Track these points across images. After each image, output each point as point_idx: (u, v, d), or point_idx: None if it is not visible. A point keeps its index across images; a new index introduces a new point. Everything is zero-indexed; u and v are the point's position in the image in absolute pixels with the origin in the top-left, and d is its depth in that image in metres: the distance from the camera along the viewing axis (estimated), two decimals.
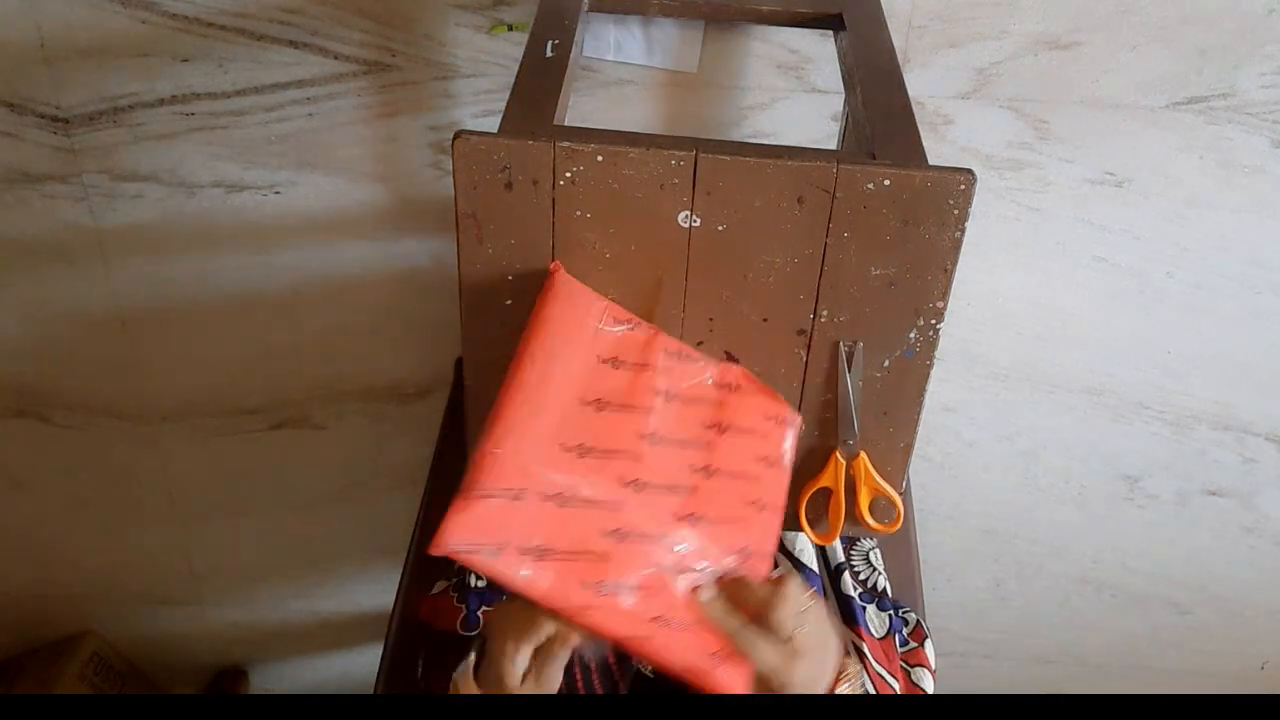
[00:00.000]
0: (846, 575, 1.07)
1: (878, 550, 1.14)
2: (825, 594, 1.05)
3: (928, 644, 1.08)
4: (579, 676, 0.99)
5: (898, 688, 1.02)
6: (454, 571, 1.07)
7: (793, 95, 1.23)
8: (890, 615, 1.08)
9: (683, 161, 0.74)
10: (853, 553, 1.12)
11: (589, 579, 0.71)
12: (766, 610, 0.73)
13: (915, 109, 0.84)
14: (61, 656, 1.74)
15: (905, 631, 1.09)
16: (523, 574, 0.70)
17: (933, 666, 1.07)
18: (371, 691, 1.10)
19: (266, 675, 1.92)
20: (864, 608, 1.07)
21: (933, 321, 0.80)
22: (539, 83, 0.83)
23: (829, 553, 1.08)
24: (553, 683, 0.77)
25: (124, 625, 1.81)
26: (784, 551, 1.04)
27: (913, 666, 1.06)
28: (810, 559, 1.05)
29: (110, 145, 1.28)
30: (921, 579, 1.22)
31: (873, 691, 1.00)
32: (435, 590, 1.06)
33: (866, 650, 1.02)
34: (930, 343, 0.81)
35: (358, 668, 1.89)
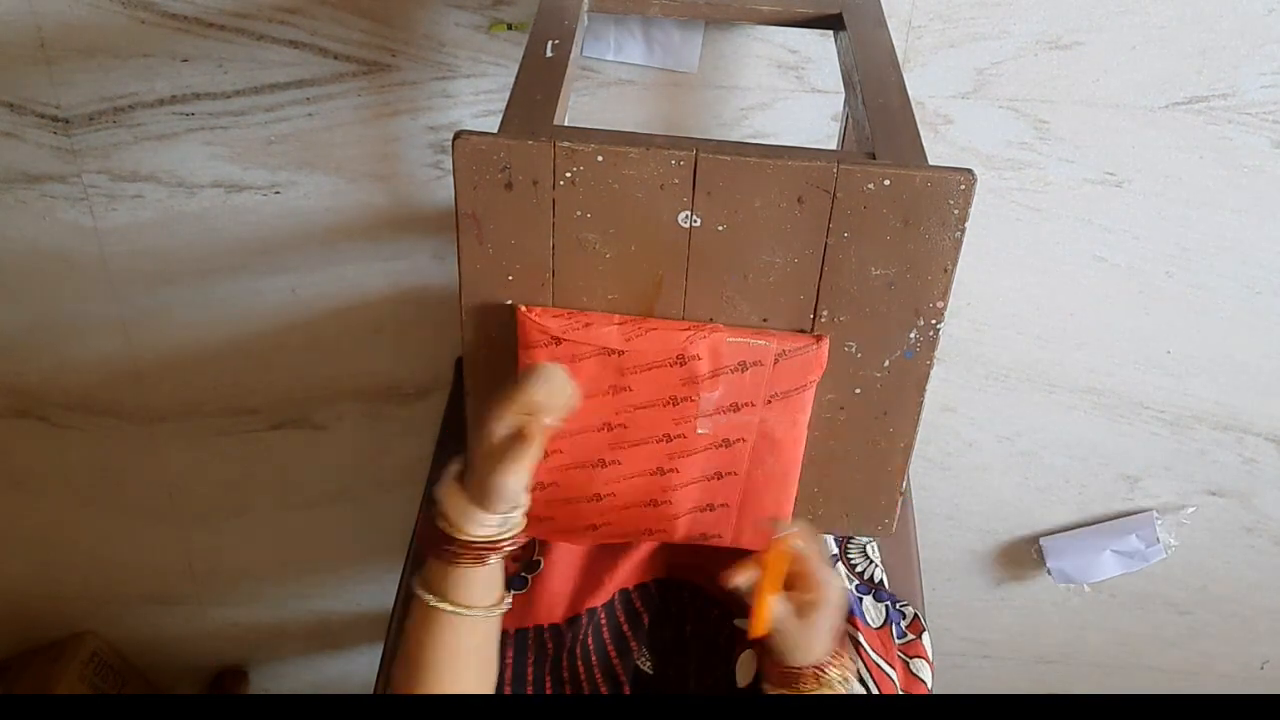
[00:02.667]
0: (840, 567, 1.08)
1: (875, 544, 1.14)
2: None
3: (925, 636, 1.08)
4: (582, 675, 0.99)
5: (895, 677, 1.02)
6: None
7: (793, 95, 1.23)
8: (887, 606, 1.08)
9: (683, 161, 0.74)
10: (849, 546, 1.12)
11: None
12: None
13: (915, 109, 0.84)
14: (61, 656, 1.74)
15: (903, 624, 1.09)
16: None
17: (931, 658, 1.07)
18: (371, 691, 1.10)
19: (266, 675, 1.92)
20: (860, 599, 1.07)
21: (933, 321, 0.80)
22: (539, 83, 0.83)
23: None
24: (536, 450, 0.78)
25: (124, 625, 1.81)
26: None
27: (911, 658, 1.06)
28: None
29: (110, 145, 1.28)
30: (921, 579, 1.22)
31: (870, 681, 1.00)
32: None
33: (863, 640, 1.02)
34: (930, 343, 0.81)
35: (358, 668, 1.89)
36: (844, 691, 0.84)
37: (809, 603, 0.81)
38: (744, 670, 0.99)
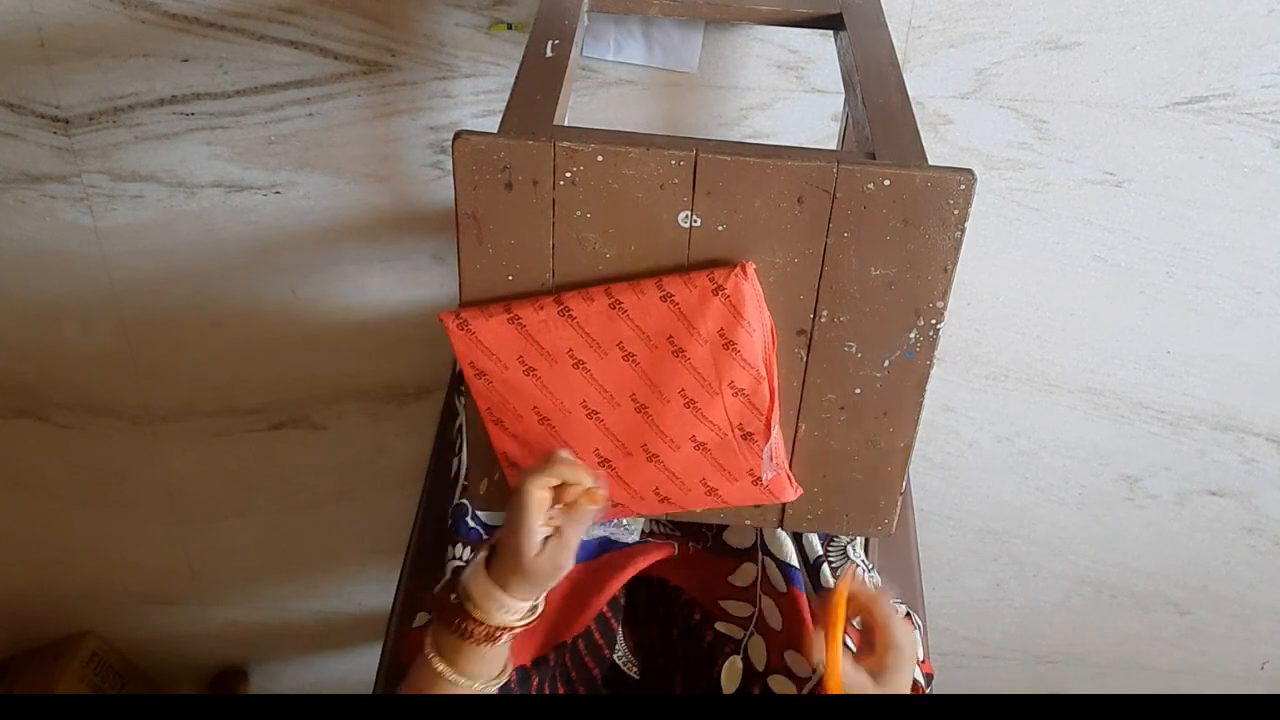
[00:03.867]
0: (825, 568, 1.06)
1: (857, 543, 1.13)
2: (805, 588, 1.04)
3: (915, 636, 1.07)
4: (552, 662, 0.98)
5: None
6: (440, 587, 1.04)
7: (793, 95, 1.23)
8: None
9: (683, 161, 0.74)
10: (830, 547, 1.10)
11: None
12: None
13: (915, 109, 0.84)
14: (61, 656, 1.74)
15: None
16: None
17: (921, 658, 1.06)
18: (371, 691, 1.10)
19: (266, 675, 1.92)
20: None
21: (933, 321, 0.80)
22: (539, 83, 0.83)
23: (807, 546, 1.06)
24: (573, 544, 0.80)
25: (124, 625, 1.81)
26: (763, 549, 1.03)
27: None
28: (790, 554, 1.04)
29: (110, 145, 1.28)
30: (921, 579, 1.22)
31: None
32: (417, 623, 1.05)
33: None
34: (930, 343, 0.81)
35: (358, 668, 1.89)
36: None
37: (885, 664, 0.83)
38: (729, 677, 0.98)
